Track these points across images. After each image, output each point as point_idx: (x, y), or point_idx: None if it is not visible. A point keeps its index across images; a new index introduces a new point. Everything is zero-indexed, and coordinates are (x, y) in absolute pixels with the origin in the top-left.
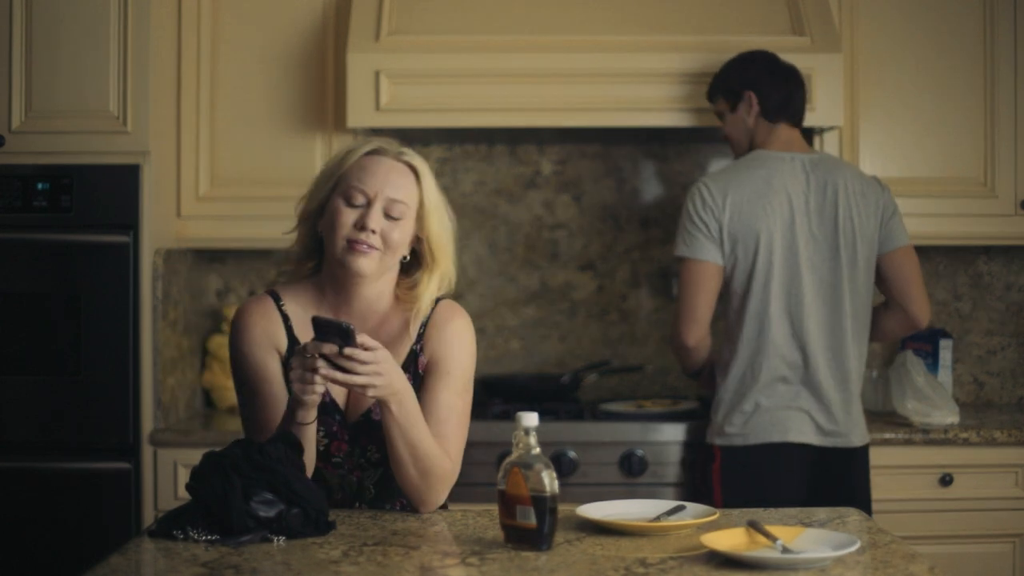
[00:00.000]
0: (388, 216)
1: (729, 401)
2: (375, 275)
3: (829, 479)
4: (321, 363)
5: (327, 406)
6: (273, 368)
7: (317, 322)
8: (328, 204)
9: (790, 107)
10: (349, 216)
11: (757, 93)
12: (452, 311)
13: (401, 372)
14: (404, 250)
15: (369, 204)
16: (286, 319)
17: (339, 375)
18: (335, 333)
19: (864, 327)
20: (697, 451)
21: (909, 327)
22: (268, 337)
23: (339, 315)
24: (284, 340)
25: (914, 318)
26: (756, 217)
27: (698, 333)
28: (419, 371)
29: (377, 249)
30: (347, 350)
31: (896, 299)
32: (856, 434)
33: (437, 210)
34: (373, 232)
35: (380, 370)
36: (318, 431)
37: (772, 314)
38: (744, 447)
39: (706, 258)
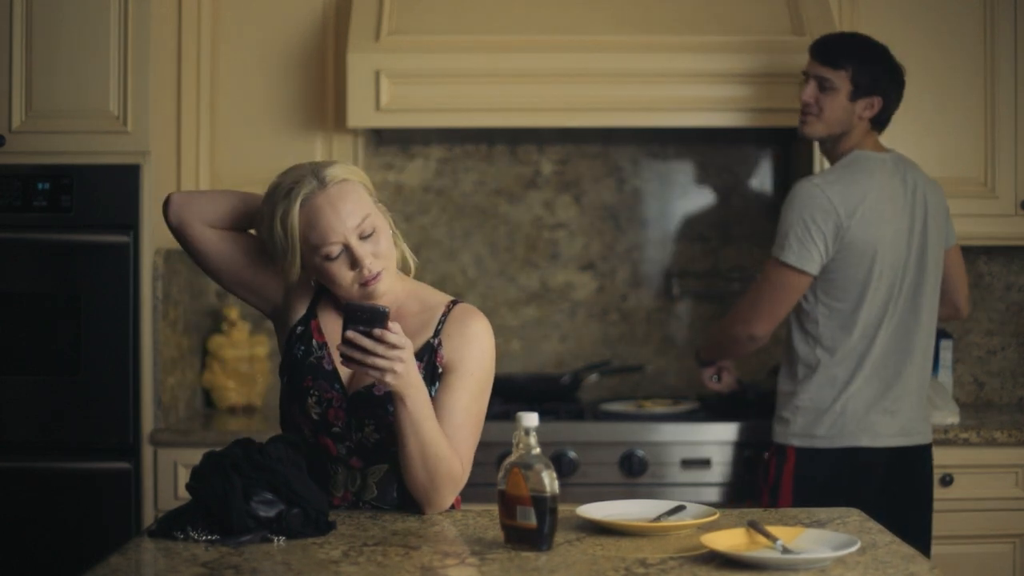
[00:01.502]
0: (364, 238)
1: (813, 404)
2: (392, 286)
3: (901, 479)
4: (344, 347)
5: (325, 372)
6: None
7: (349, 307)
8: (310, 267)
9: (891, 118)
10: (341, 269)
11: (885, 102)
12: (472, 313)
13: (417, 370)
14: (395, 249)
15: (347, 246)
16: (316, 294)
17: (359, 356)
18: (367, 318)
19: (934, 324)
20: (705, 452)
21: (954, 318)
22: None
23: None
24: (304, 307)
25: (960, 309)
26: (874, 229)
27: (770, 329)
28: (436, 363)
29: (382, 268)
30: (376, 331)
31: (948, 292)
32: (928, 431)
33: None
34: (368, 265)
35: (403, 357)
36: (311, 395)
37: (871, 320)
38: (829, 449)
39: (809, 270)
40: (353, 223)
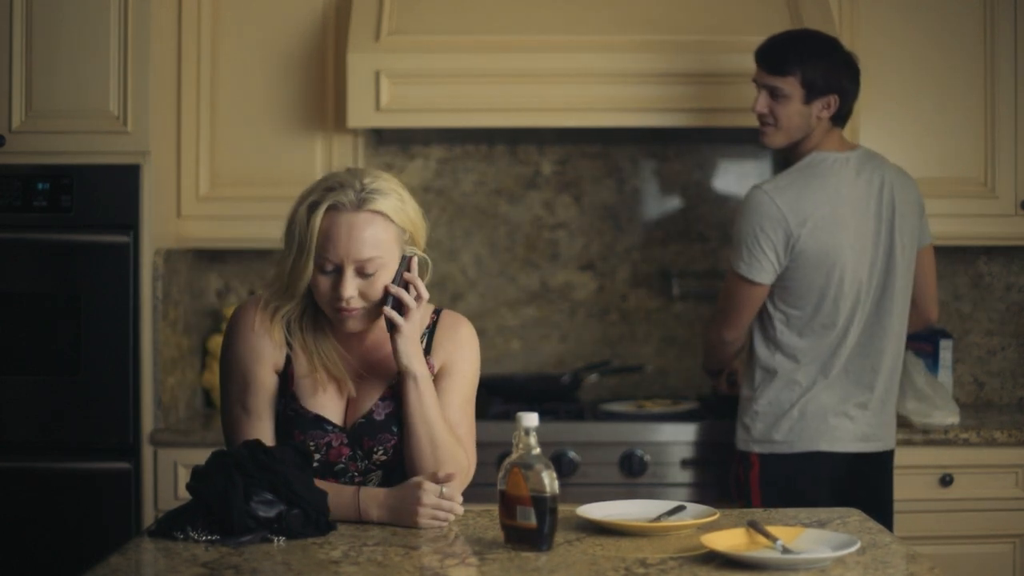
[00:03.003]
0: (363, 274)
1: (771, 409)
2: (368, 325)
3: (861, 484)
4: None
5: (309, 421)
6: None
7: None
8: (297, 267)
9: (852, 110)
10: (325, 284)
11: (842, 98)
12: (459, 318)
13: (423, 357)
14: (420, 304)
15: (340, 270)
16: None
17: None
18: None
19: (904, 328)
20: (710, 453)
21: (921, 323)
22: (267, 347)
23: (337, 334)
24: (283, 355)
25: (927, 315)
26: (829, 235)
27: (738, 333)
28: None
29: (360, 307)
30: (406, 275)
31: (914, 296)
32: (891, 438)
33: (419, 224)
34: (346, 298)
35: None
36: (307, 446)
37: (829, 324)
38: (789, 455)
39: (762, 281)
40: (358, 255)
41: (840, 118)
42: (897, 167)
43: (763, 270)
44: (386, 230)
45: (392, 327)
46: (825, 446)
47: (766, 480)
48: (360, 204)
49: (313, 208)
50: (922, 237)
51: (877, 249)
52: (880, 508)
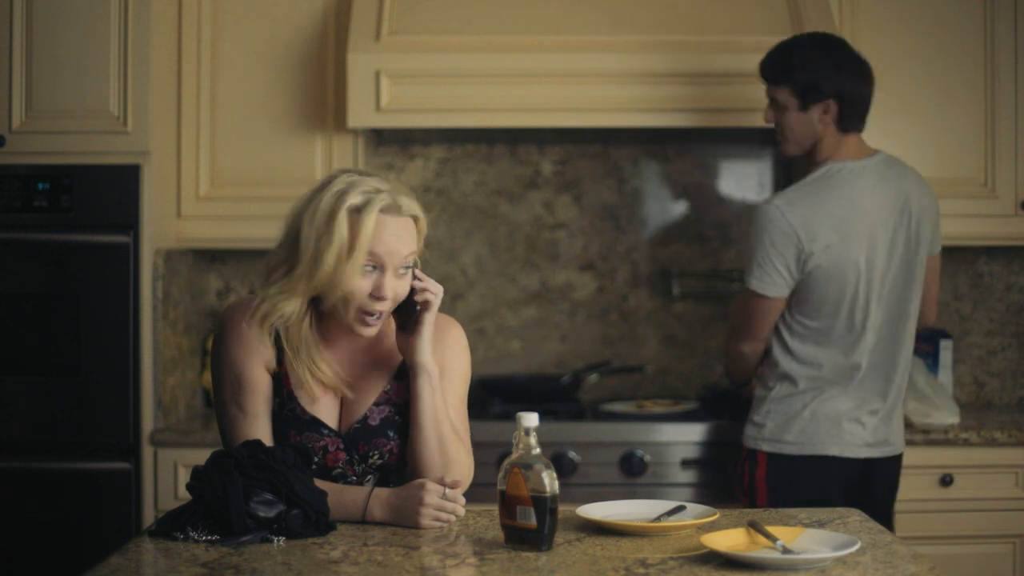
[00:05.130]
0: (399, 274)
1: (783, 409)
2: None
3: (869, 488)
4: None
5: (305, 422)
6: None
7: None
8: (336, 266)
9: (866, 115)
10: (365, 284)
11: (840, 103)
12: (448, 321)
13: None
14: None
15: (382, 271)
16: (276, 331)
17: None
18: None
19: (914, 335)
20: (711, 453)
21: (920, 326)
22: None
23: (333, 339)
24: (273, 354)
25: (927, 318)
26: (843, 249)
27: (755, 346)
28: None
29: (388, 309)
30: (416, 272)
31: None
32: (900, 442)
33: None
34: (388, 297)
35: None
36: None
37: (845, 332)
38: (798, 456)
39: (776, 295)
40: (401, 256)
41: (850, 121)
42: (916, 174)
43: (775, 285)
44: (416, 233)
45: (412, 325)
46: (836, 451)
47: (772, 479)
48: (400, 208)
49: (359, 210)
50: (934, 244)
51: (892, 260)
52: (884, 512)
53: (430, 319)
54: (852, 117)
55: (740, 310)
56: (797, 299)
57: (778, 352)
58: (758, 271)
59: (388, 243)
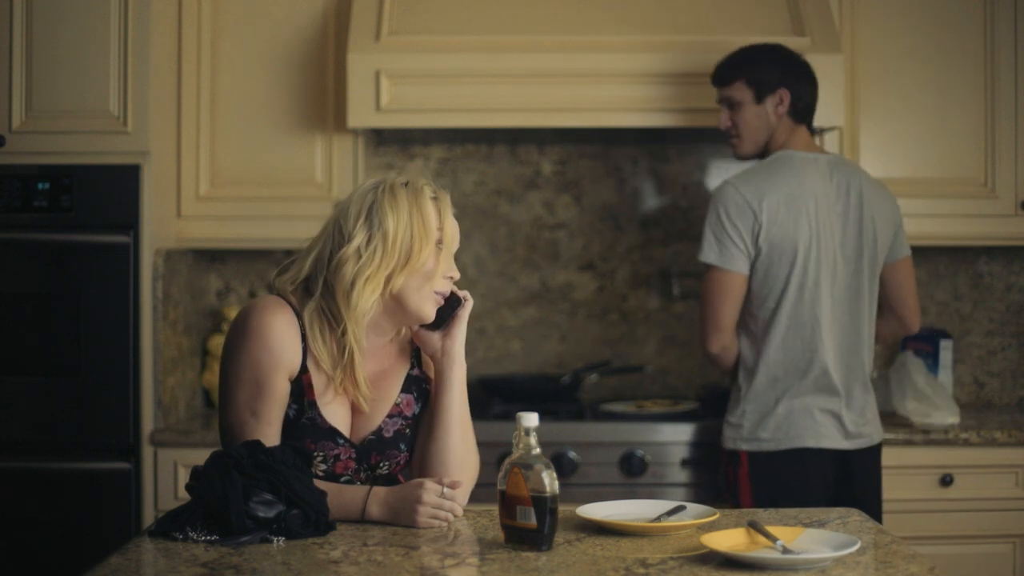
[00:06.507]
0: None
1: (756, 407)
2: None
3: (850, 480)
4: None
5: (323, 431)
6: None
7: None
8: (431, 247)
9: (814, 109)
10: (443, 267)
11: (792, 92)
12: None
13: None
14: None
15: (441, 249)
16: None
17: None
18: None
19: (873, 329)
20: (710, 453)
21: (903, 332)
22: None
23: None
24: (299, 361)
25: (909, 325)
26: (792, 224)
27: (722, 340)
28: (425, 387)
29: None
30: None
31: (894, 306)
32: (877, 433)
33: None
34: (455, 271)
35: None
36: (315, 455)
37: (803, 320)
38: (776, 452)
39: (734, 268)
40: (457, 242)
41: (800, 115)
42: (876, 181)
43: (733, 258)
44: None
45: (448, 320)
46: (812, 442)
47: (755, 478)
48: (438, 197)
49: (422, 193)
50: (899, 250)
51: (845, 249)
52: (869, 504)
53: (466, 315)
54: (802, 110)
55: (704, 298)
56: (754, 287)
57: (744, 348)
58: (717, 246)
59: (454, 229)
